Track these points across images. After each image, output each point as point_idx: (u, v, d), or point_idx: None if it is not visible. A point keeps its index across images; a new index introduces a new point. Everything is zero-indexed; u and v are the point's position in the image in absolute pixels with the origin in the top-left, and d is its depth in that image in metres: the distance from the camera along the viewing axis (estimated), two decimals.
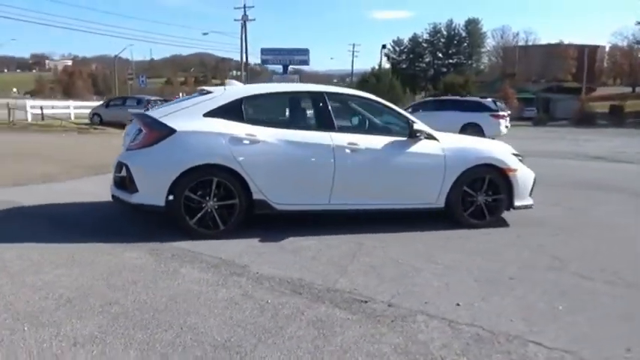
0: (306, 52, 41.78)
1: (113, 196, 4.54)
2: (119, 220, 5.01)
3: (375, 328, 2.81)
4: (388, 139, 4.75)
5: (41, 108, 23.06)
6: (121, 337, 2.61)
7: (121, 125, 20.19)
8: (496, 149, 5.14)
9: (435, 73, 76.83)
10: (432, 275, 3.70)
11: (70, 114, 23.76)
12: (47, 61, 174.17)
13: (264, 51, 41.68)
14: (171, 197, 4.29)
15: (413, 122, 4.85)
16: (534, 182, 5.33)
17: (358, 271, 3.74)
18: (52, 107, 24.64)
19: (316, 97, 4.77)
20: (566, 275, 3.78)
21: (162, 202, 4.29)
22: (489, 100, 18.66)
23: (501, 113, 17.58)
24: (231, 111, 4.50)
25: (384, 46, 48.73)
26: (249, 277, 3.56)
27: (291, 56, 41.34)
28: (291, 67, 47.62)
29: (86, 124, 21.38)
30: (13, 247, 4.04)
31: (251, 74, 63.43)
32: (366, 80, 38.26)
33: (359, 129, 4.94)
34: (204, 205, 4.37)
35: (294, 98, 4.93)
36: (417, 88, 65.45)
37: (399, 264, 3.92)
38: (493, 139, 17.79)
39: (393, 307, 3.13)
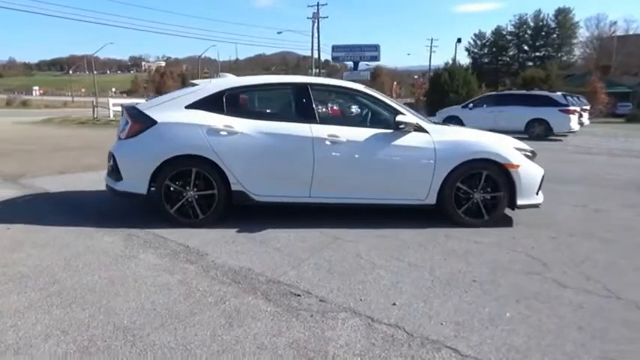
0: (376, 47, 41.17)
1: (106, 184, 4.81)
2: (127, 207, 5.22)
3: (288, 322, 2.75)
4: (372, 131, 4.58)
5: (122, 105, 24.85)
6: (40, 312, 2.77)
7: None
8: (494, 143, 4.76)
9: (519, 67, 72.52)
10: (387, 273, 3.53)
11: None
12: (143, 63, 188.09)
13: (335, 48, 41.67)
14: (152, 186, 4.45)
15: (399, 113, 4.63)
16: (542, 180, 4.88)
17: (313, 265, 3.66)
18: None
19: (299, 89, 4.71)
20: (540, 281, 3.44)
21: (144, 191, 4.48)
22: (559, 94, 17.29)
23: (572, 108, 16.24)
24: (213, 103, 4.58)
25: (459, 40, 46.72)
26: (201, 265, 3.62)
27: (362, 52, 40.96)
28: (365, 64, 47.42)
29: None
30: (11, 226, 4.42)
31: (331, 71, 64.01)
32: (439, 75, 36.92)
33: (343, 120, 4.81)
34: (184, 195, 4.49)
35: (277, 90, 4.90)
36: (500, 83, 62.16)
37: (360, 260, 3.78)
38: (565, 135, 16.85)
39: (323, 302, 3.04)
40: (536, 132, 16.13)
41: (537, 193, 4.86)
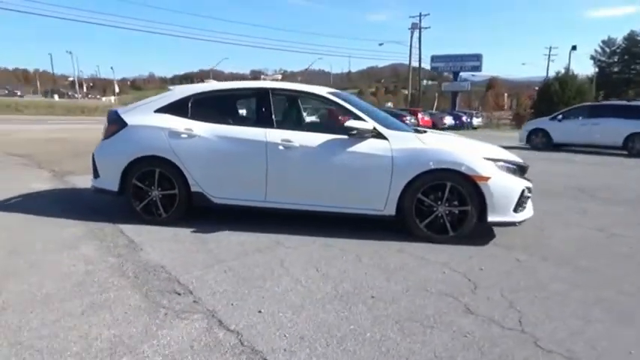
0: (478, 57, 39.46)
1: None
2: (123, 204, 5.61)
3: (137, 317, 2.81)
4: (327, 137, 4.44)
5: None
6: None
7: None
8: (459, 152, 4.33)
9: None
10: (291, 282, 3.41)
11: None
12: (262, 76, 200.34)
13: (434, 58, 40.77)
14: (122, 184, 4.78)
15: (359, 119, 4.43)
16: (523, 195, 4.34)
17: (226, 267, 3.66)
18: None
19: (260, 94, 4.73)
20: (446, 304, 3.09)
21: (115, 188, 4.83)
22: None
23: None
24: (179, 108, 4.79)
25: (574, 48, 42.59)
26: (125, 259, 3.80)
27: (462, 62, 39.53)
28: (470, 74, 45.53)
29: None
30: (5, 215, 5.03)
31: (444, 81, 62.37)
32: (548, 85, 34.12)
33: (301, 126, 4.72)
34: (149, 194, 4.75)
35: (240, 95, 4.95)
36: (624, 93, 55.46)
37: (278, 267, 3.69)
38: None
39: (195, 303, 3.06)
40: (637, 148, 14.20)
41: (516, 210, 4.33)
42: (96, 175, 4.95)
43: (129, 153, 4.72)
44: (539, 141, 16.17)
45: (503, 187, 4.24)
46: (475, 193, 4.24)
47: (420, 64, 43.13)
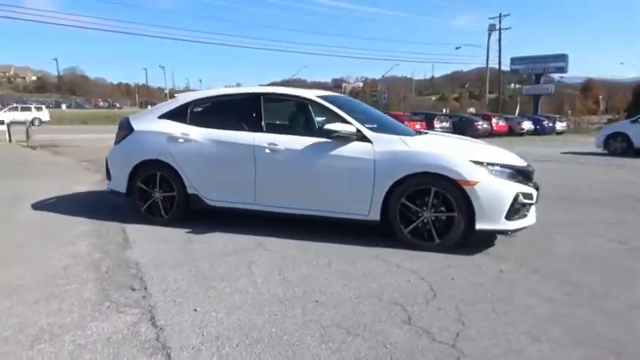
0: (563, 58, 36.78)
1: None
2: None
3: (81, 308, 2.98)
4: (312, 140, 4.41)
5: None
6: None
7: None
8: (446, 154, 4.09)
9: None
10: (247, 283, 3.43)
11: None
12: (344, 84, 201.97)
13: (513, 60, 38.66)
14: (129, 186, 5.10)
15: (344, 122, 4.36)
16: (517, 201, 4.02)
17: (193, 267, 3.76)
18: None
19: (252, 99, 4.81)
20: (383, 314, 2.95)
21: (124, 190, 5.15)
22: None
23: None
24: (179, 113, 5.02)
25: None
26: (108, 256, 4.03)
27: (545, 64, 37.07)
28: (559, 76, 42.69)
29: None
30: (34, 213, 5.55)
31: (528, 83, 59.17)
32: None
33: (288, 129, 4.71)
34: (152, 195, 5.02)
35: (234, 101, 5.04)
36: None
37: (245, 269, 3.71)
38: None
39: (144, 298, 3.18)
40: None
41: (510, 217, 4.01)
42: (109, 177, 5.31)
43: (134, 157, 5.02)
44: (619, 146, 14.76)
45: (492, 192, 3.96)
46: (462, 199, 4.00)
47: (499, 66, 41.17)
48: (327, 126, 4.23)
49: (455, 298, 3.15)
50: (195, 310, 2.97)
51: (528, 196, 4.13)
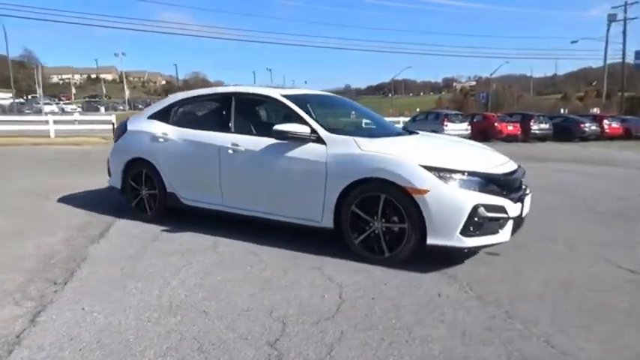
0: None
1: None
2: None
3: None
4: (269, 141, 4.22)
5: None
6: None
7: None
8: (396, 158, 3.64)
9: None
10: (160, 285, 3.39)
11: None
12: (454, 84, 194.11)
13: (638, 54, 33.94)
14: (123, 182, 5.35)
15: (304, 123, 4.11)
16: (476, 214, 3.48)
17: (129, 265, 3.81)
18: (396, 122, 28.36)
19: (225, 99, 4.74)
20: (255, 329, 2.72)
21: (119, 186, 5.42)
22: None
23: None
24: (165, 113, 5.13)
25: None
26: (71, 247, 4.24)
27: None
28: None
29: None
30: (49, 204, 6.05)
31: None
32: None
33: (253, 130, 4.55)
34: (140, 193, 5.21)
35: (209, 101, 4.98)
36: None
37: (174, 270, 3.68)
38: None
39: (55, 293, 3.28)
40: None
41: (467, 232, 3.49)
42: (109, 174, 5.61)
43: (125, 155, 5.25)
44: None
45: (444, 202, 3.47)
46: (413, 209, 3.56)
47: (623, 60, 36.56)
48: (277, 127, 4.02)
49: (351, 322, 2.80)
50: (83, 309, 2.98)
51: (496, 209, 3.55)
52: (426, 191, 3.48)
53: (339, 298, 3.14)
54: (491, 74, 63.94)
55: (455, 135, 21.03)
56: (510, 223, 3.68)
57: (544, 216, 5.54)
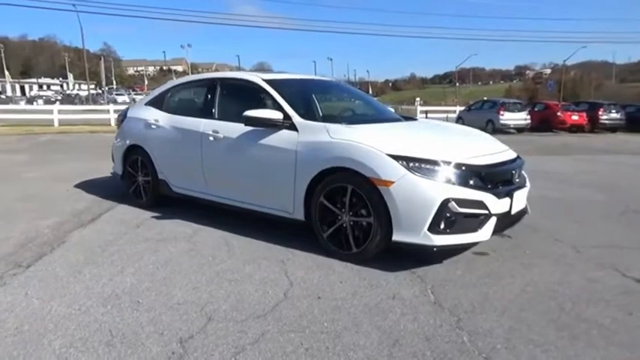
0: None
1: None
2: None
3: None
4: (247, 128, 4.04)
5: (426, 113, 26.15)
6: None
7: (477, 128, 20.42)
8: (363, 146, 3.33)
9: None
10: (111, 274, 3.35)
11: (446, 117, 25.34)
12: (527, 72, 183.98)
13: None
14: (124, 169, 5.42)
15: (280, 110, 3.89)
16: (447, 209, 3.13)
17: (96, 251, 3.81)
18: (439, 112, 27.22)
19: (210, 84, 4.60)
20: (180, 325, 2.59)
21: (120, 172, 5.49)
22: None
23: None
24: (159, 100, 5.10)
25: None
26: (61, 231, 4.32)
27: None
28: None
29: None
30: (64, 187, 6.26)
31: None
32: None
33: (234, 116, 4.36)
34: (137, 179, 5.25)
35: (199, 87, 4.82)
36: None
37: (135, 260, 3.64)
38: None
39: (14, 276, 3.33)
40: None
41: (436, 229, 3.15)
42: (113, 160, 5.69)
43: (124, 142, 5.29)
44: None
45: (410, 195, 3.14)
46: (379, 202, 3.27)
47: None
48: (247, 112, 3.83)
49: (279, 323, 2.61)
50: (26, 293, 2.98)
51: (472, 204, 3.17)
52: (391, 183, 3.17)
53: (283, 295, 2.94)
54: (564, 60, 59.71)
55: (512, 125, 19.85)
56: (492, 220, 3.29)
57: (565, 214, 5.01)
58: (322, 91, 4.97)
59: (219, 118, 4.37)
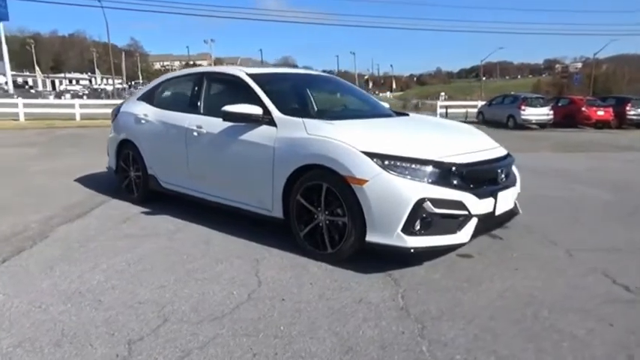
0: None
1: None
2: None
3: None
4: (228, 124, 3.97)
5: (446, 108, 25.67)
6: None
7: (498, 124, 19.94)
8: (336, 142, 3.20)
9: None
10: (81, 271, 3.32)
11: (466, 113, 24.82)
12: (557, 65, 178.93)
13: None
14: (117, 164, 5.42)
15: (261, 106, 3.79)
16: (422, 210, 2.99)
17: (75, 247, 3.80)
18: (459, 107, 26.66)
19: (197, 79, 4.53)
20: (134, 325, 2.53)
21: (114, 167, 5.49)
22: None
23: None
24: (149, 95, 5.07)
25: None
26: (47, 225, 4.35)
27: None
28: None
29: (471, 122, 22.07)
30: (63, 181, 6.31)
31: None
32: None
33: (218, 111, 4.28)
34: (129, 174, 5.24)
35: (187, 82, 4.75)
36: None
37: (109, 256, 3.62)
38: None
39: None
40: None
41: (410, 230, 3.01)
42: (108, 155, 5.70)
43: (116, 137, 5.28)
44: None
45: (384, 194, 3.01)
46: (353, 201, 3.14)
47: None
48: (225, 107, 3.74)
49: (234, 326, 2.52)
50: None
51: (450, 204, 3.02)
52: (365, 181, 3.04)
53: (247, 297, 2.85)
54: (595, 54, 57.86)
55: (534, 121, 19.29)
56: (473, 222, 3.13)
57: (568, 214, 4.80)
58: (314, 87, 4.84)
59: (205, 113, 4.30)
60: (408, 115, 4.56)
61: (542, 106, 19.69)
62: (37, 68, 67.62)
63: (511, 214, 3.58)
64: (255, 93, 3.91)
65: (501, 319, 2.56)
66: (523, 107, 19.11)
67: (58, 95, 47.26)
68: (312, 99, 4.75)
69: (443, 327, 2.47)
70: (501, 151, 3.66)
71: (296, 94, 4.53)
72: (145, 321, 2.55)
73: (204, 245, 3.80)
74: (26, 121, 18.42)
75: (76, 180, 6.51)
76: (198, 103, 4.40)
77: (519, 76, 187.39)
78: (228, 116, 3.73)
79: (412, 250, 3.01)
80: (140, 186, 5.04)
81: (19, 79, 73.00)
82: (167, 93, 5.00)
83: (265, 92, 3.88)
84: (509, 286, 2.99)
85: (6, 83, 45.00)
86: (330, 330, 2.44)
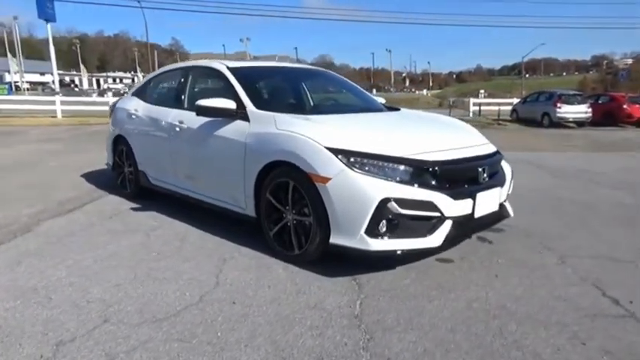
0: None
1: None
2: None
3: None
4: (206, 119, 3.86)
5: (479, 105, 24.84)
6: None
7: (532, 122, 19.14)
8: (302, 138, 3.01)
9: None
10: (46, 267, 3.29)
11: (498, 111, 23.83)
12: (605, 62, 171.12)
13: None
14: (113, 160, 5.44)
15: (236, 100, 3.67)
16: (387, 211, 2.78)
17: (53, 242, 3.80)
18: (493, 104, 25.72)
19: (183, 74, 4.45)
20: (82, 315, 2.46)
21: (111, 163, 5.51)
22: None
23: None
24: (142, 90, 5.04)
25: None
26: (35, 218, 4.38)
27: None
28: None
29: (504, 120, 21.33)
30: (69, 177, 6.40)
31: None
32: None
33: None
34: (124, 170, 5.24)
35: (173, 76, 4.67)
36: None
37: (83, 252, 3.60)
38: None
39: None
40: None
41: (374, 233, 2.80)
42: (107, 151, 5.73)
43: (111, 133, 5.29)
44: None
45: (347, 193, 2.83)
46: (318, 200, 2.97)
47: None
48: (199, 101, 3.63)
49: (171, 329, 2.40)
50: None
51: (419, 205, 2.80)
52: (328, 179, 2.86)
53: (198, 299, 2.73)
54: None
55: (571, 119, 18.36)
56: (447, 224, 2.89)
57: (578, 218, 4.47)
58: (303, 82, 4.68)
59: (187, 108, 4.21)
60: (399, 109, 4.33)
61: (579, 103, 18.75)
62: (82, 67, 70.24)
63: (497, 216, 3.31)
64: (232, 87, 3.79)
65: (460, 332, 2.33)
66: (559, 104, 18.26)
67: (101, 93, 48.92)
68: (300, 94, 4.59)
69: (392, 339, 2.26)
70: (487, 149, 3.40)
71: (280, 89, 4.39)
72: (85, 321, 2.46)
73: (178, 242, 3.71)
74: (62, 118, 19.06)
75: (82, 175, 6.59)
76: (183, 98, 4.32)
77: (564, 73, 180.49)
78: (201, 110, 3.62)
79: (377, 254, 2.81)
80: (132, 182, 5.01)
81: (67, 78, 76.19)
82: (156, 88, 4.96)
83: (243, 86, 3.75)
84: (482, 296, 2.75)
85: (53, 82, 47.07)
86: (270, 338, 2.28)
